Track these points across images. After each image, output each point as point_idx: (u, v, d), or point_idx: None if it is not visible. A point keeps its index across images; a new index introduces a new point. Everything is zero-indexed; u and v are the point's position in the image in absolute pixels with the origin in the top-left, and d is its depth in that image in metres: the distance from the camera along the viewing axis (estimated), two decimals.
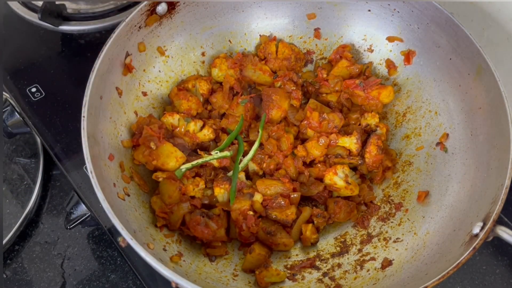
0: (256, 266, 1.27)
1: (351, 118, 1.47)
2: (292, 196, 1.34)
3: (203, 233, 1.25)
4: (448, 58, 1.38)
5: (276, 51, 1.54)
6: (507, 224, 1.20)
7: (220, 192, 1.32)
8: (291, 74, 1.50)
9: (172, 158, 1.32)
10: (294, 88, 1.48)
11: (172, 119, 1.38)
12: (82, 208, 1.39)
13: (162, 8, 1.38)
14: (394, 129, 1.50)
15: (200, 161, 1.34)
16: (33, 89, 1.57)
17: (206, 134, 1.40)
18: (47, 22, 1.68)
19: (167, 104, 1.47)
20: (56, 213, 1.55)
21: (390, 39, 1.51)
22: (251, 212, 1.30)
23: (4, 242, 1.45)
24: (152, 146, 1.29)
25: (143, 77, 1.43)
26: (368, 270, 1.27)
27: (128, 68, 1.36)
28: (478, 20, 1.53)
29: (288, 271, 1.29)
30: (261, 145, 1.41)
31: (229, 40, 1.57)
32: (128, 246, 1.03)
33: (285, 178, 1.36)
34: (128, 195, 1.24)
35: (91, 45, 1.69)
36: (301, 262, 1.32)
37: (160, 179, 1.30)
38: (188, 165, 1.33)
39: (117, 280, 1.45)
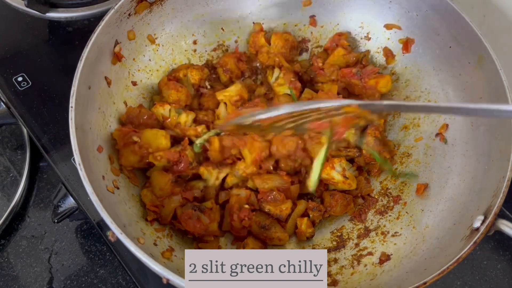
0: None
1: None
2: (291, 188, 1.32)
3: (194, 227, 1.23)
4: (448, 46, 1.35)
5: (269, 43, 1.51)
6: (509, 218, 1.18)
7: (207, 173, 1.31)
8: (290, 69, 1.48)
9: (160, 137, 1.29)
10: (293, 79, 1.45)
11: (163, 110, 1.35)
12: (70, 201, 1.37)
13: None
14: (392, 120, 1.47)
15: (212, 132, 1.34)
16: (19, 78, 1.55)
17: (199, 130, 1.37)
18: (34, 9, 1.65)
19: (158, 94, 1.44)
20: (43, 206, 1.53)
21: (388, 26, 1.48)
22: (247, 206, 1.27)
23: None
24: (136, 139, 1.26)
25: (132, 66, 1.40)
26: (365, 265, 1.25)
27: (117, 57, 1.34)
28: (479, 7, 1.51)
29: None
30: None
31: (222, 28, 1.54)
32: (118, 240, 1.01)
33: (282, 172, 1.33)
34: (118, 188, 1.21)
35: (79, 33, 1.66)
36: None
37: (158, 161, 1.27)
38: (205, 136, 1.33)
39: (106, 276, 1.42)
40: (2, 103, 1.52)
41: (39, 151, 1.49)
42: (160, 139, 1.29)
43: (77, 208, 1.37)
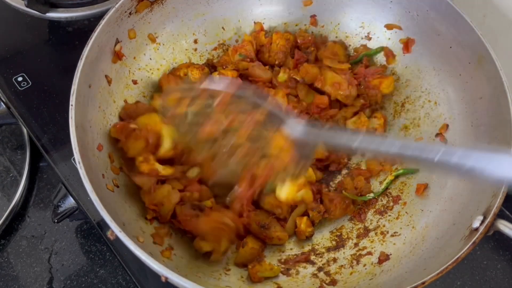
0: (249, 260, 1.24)
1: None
2: None
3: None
4: (448, 47, 1.35)
5: (271, 43, 1.50)
6: (509, 218, 1.18)
7: None
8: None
9: (153, 117, 1.26)
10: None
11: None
12: (70, 201, 1.36)
13: None
14: (392, 120, 1.46)
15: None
16: (19, 78, 1.54)
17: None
18: (34, 9, 1.64)
19: (158, 92, 1.43)
20: (43, 206, 1.52)
21: (389, 26, 1.47)
22: None
23: None
24: (134, 126, 1.24)
25: (133, 65, 1.40)
26: (364, 265, 1.24)
27: (118, 56, 1.33)
28: (479, 7, 1.51)
29: (282, 266, 1.26)
30: None
31: (222, 27, 1.54)
32: (117, 239, 1.00)
33: None
34: (117, 187, 1.21)
35: (79, 33, 1.66)
36: (295, 256, 1.29)
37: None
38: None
39: (106, 276, 1.42)
40: (2, 103, 1.52)
41: (39, 151, 1.48)
42: (153, 117, 1.26)
43: (77, 208, 1.36)
